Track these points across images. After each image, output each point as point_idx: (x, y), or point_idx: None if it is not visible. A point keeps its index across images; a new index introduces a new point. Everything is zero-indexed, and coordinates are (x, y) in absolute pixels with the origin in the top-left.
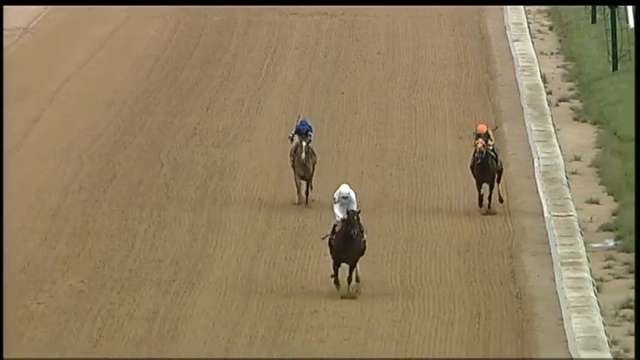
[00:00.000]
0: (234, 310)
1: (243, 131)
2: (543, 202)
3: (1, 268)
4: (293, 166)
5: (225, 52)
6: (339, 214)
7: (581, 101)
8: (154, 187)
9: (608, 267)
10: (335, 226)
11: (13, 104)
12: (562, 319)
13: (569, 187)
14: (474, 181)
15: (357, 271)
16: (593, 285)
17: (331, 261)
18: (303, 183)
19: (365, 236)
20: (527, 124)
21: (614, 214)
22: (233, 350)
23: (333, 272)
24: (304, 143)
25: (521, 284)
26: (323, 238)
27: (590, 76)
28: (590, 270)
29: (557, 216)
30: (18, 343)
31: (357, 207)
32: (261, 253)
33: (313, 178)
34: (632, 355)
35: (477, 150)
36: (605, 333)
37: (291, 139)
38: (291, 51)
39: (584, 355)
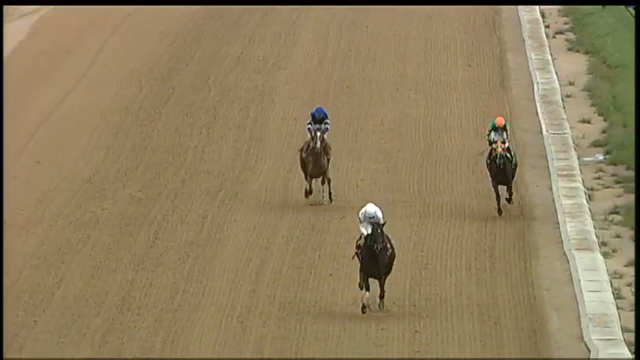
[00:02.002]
0: (272, 215)
1: (281, 60)
2: (542, 121)
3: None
4: (303, 164)
5: None
6: (365, 232)
7: (574, 34)
8: (203, 108)
9: (598, 178)
10: (358, 241)
11: (80, 37)
12: (558, 223)
13: (564, 108)
14: (491, 183)
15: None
16: (585, 193)
17: (359, 274)
18: (317, 181)
19: (391, 250)
20: (527, 54)
21: (603, 132)
22: (272, 249)
23: (360, 281)
24: (319, 133)
25: (523, 193)
26: (353, 257)
27: (583, 12)
28: (583, 180)
29: (554, 134)
30: (84, 246)
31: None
32: (297, 166)
33: (328, 172)
34: (619, 255)
35: (499, 155)
36: (596, 235)
37: (309, 129)
38: None
39: (577, 254)
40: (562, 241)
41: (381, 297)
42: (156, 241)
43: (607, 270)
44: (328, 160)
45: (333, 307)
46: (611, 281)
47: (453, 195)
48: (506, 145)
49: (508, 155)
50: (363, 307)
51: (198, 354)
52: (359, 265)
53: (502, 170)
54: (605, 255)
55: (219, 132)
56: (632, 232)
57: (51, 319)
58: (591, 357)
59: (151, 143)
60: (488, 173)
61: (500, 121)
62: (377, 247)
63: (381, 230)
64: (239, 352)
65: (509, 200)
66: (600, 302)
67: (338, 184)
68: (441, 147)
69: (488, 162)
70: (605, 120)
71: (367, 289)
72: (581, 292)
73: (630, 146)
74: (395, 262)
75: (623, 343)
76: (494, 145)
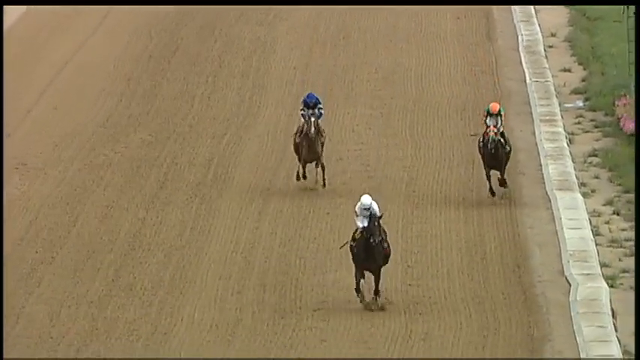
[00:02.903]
0: (274, 159)
1: (282, 12)
2: (525, 70)
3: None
4: (297, 149)
5: None
6: (361, 225)
7: None
8: (209, 58)
9: (578, 123)
10: (355, 232)
11: None
12: (541, 165)
13: (546, 58)
14: (483, 166)
15: (380, 283)
16: (566, 137)
17: (353, 270)
18: (310, 166)
19: (387, 243)
20: (512, 7)
21: (583, 80)
22: (273, 189)
23: (355, 282)
24: (313, 119)
25: (507, 137)
26: (341, 247)
27: None
28: (564, 125)
29: (537, 81)
30: (98, 186)
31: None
32: (296, 112)
33: (322, 157)
34: (597, 194)
35: (490, 139)
36: (576, 176)
37: (303, 115)
38: None
39: (559, 194)
40: (544, 182)
41: (376, 294)
42: (165, 182)
43: (586, 209)
44: (322, 144)
45: (331, 243)
46: (590, 219)
47: (442, 139)
48: (500, 129)
49: (501, 140)
50: (361, 298)
51: (205, 288)
52: (352, 260)
53: (494, 155)
54: (584, 195)
55: (224, 80)
56: (610, 174)
57: (67, 255)
58: (571, 290)
59: (160, 90)
60: (481, 158)
61: (494, 106)
62: (374, 240)
63: (379, 224)
64: (242, 285)
65: (502, 184)
66: (580, 239)
67: (335, 129)
68: (431, 94)
69: (481, 145)
70: (584, 69)
71: (359, 293)
72: (562, 229)
73: (608, 93)
74: (391, 254)
75: (601, 278)
76: (487, 130)
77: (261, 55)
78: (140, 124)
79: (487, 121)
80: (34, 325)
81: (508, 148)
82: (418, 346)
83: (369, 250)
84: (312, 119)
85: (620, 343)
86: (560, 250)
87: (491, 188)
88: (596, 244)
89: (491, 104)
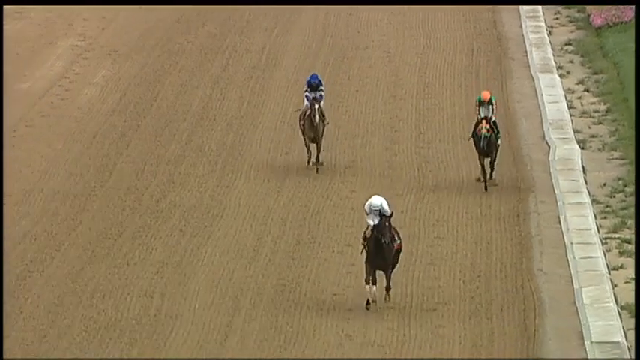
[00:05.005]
0: (314, 47)
1: None
2: None
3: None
4: (302, 130)
5: None
6: (372, 223)
7: None
8: None
9: (557, 18)
10: (365, 231)
11: None
12: (526, 52)
13: None
14: (477, 155)
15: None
16: (546, 30)
17: (364, 266)
18: (313, 147)
19: (398, 241)
20: None
21: None
22: (312, 70)
23: (366, 275)
24: (316, 105)
25: (500, 29)
26: (362, 252)
27: None
28: (545, 20)
29: None
30: (174, 69)
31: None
32: (332, 9)
33: (322, 140)
34: (571, 75)
35: (482, 137)
36: (554, 61)
37: (307, 97)
38: None
39: (541, 75)
40: (529, 65)
41: (388, 289)
42: (227, 65)
43: (562, 87)
44: (324, 126)
45: (359, 114)
46: (565, 95)
47: (448, 31)
48: (493, 119)
49: (492, 135)
50: (368, 302)
51: (259, 150)
52: (365, 256)
53: (486, 151)
54: (561, 76)
55: None
56: (581, 59)
57: (150, 124)
58: (550, 151)
59: None
60: (474, 148)
61: (485, 95)
62: (385, 241)
63: (389, 223)
64: (289, 148)
65: (490, 175)
66: (557, 111)
67: (363, 23)
68: None
69: (473, 137)
70: None
71: (374, 283)
72: (543, 103)
73: None
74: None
75: (574, 141)
76: (479, 126)
77: None
78: (207, 20)
79: (479, 110)
80: (123, 179)
81: (499, 143)
82: (429, 197)
83: (380, 250)
84: (316, 106)
85: (589, 193)
86: (541, 119)
87: (484, 174)
88: (570, 115)
89: (483, 92)
